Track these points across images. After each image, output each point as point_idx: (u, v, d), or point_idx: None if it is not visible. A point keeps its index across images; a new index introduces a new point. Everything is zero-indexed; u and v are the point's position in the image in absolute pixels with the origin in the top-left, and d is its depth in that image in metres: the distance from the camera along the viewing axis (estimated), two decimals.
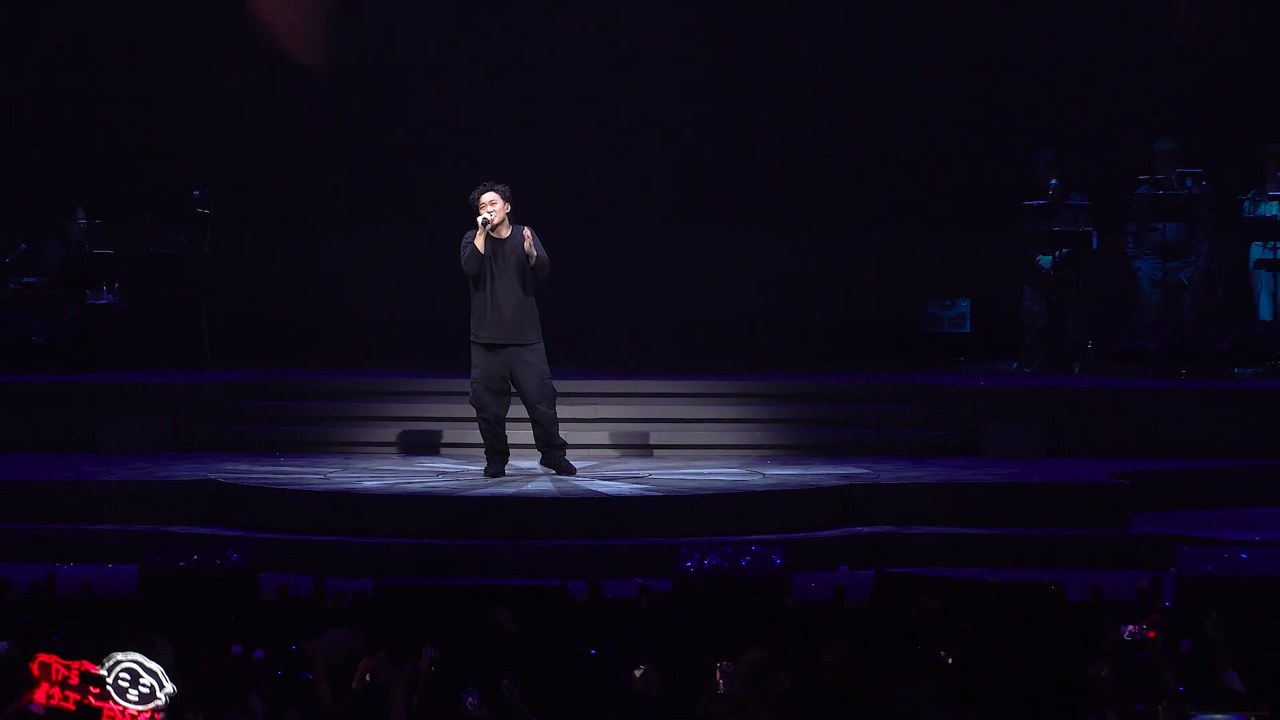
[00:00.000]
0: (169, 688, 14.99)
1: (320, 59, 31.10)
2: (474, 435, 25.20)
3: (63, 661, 15.04)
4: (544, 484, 24.78)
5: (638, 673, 15.55)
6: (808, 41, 31.66)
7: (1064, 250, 28.36)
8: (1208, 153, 29.68)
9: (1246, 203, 28.73)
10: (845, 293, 30.34)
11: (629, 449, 26.81)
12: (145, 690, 15.00)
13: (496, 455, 25.02)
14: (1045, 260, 28.30)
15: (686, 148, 30.15)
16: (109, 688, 14.85)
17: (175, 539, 22.69)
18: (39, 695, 14.63)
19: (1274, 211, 28.64)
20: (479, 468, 25.29)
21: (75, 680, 14.84)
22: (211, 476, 25.50)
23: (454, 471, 25.82)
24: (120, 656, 15.19)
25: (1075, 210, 28.36)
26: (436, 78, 31.73)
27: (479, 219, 24.21)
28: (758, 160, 30.17)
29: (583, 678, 16.44)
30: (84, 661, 15.06)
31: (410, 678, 15.06)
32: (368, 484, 25.51)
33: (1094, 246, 28.55)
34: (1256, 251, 28.75)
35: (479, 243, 24.14)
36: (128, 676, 15.03)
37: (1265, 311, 28.74)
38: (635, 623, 18.52)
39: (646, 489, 25.25)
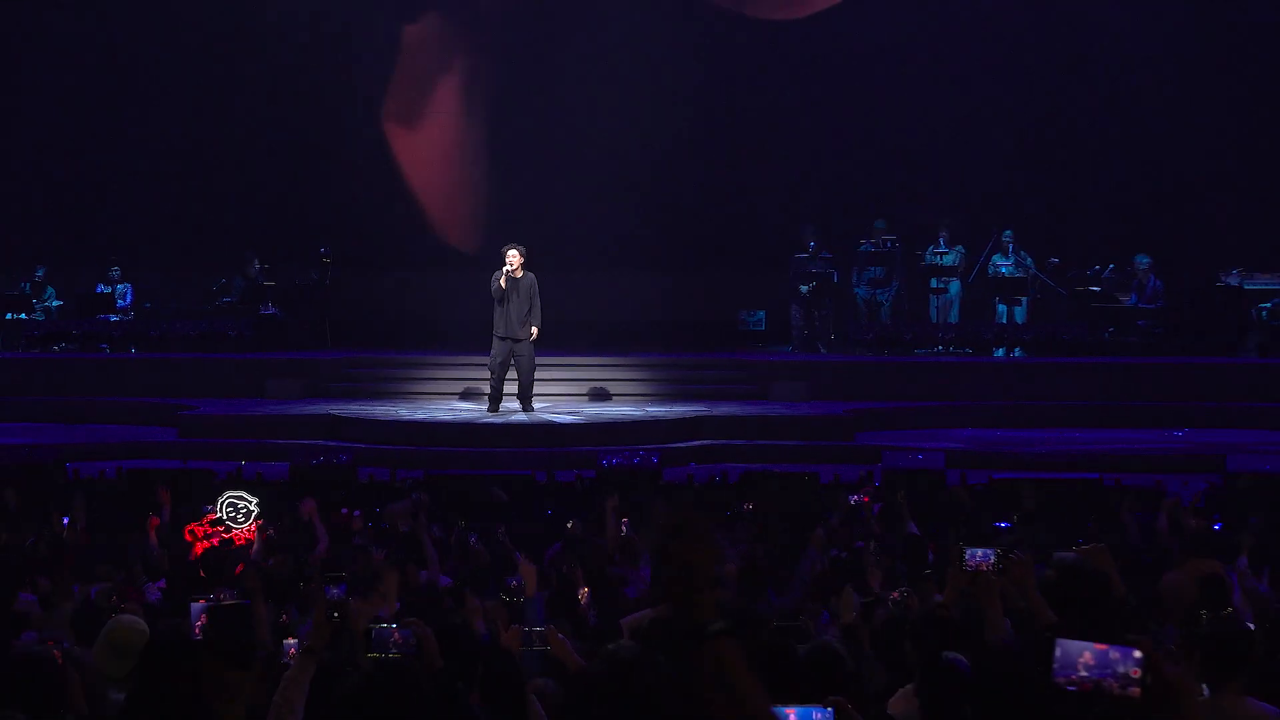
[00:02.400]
0: (254, 500, 15.19)
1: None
2: (484, 388, 25.26)
3: (198, 525, 15.21)
4: (521, 417, 24.83)
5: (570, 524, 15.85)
6: (669, 142, 30.35)
7: (815, 283, 28.39)
8: (903, 224, 29.43)
9: (926, 255, 28.87)
10: (695, 306, 30.17)
11: (573, 396, 26.86)
12: (244, 511, 15.15)
13: (496, 399, 24.98)
14: (804, 288, 28.33)
15: (614, 224, 29.33)
16: (226, 521, 15.04)
17: (309, 448, 22.93)
18: (198, 549, 14.78)
19: (940, 260, 28.78)
20: (485, 408, 25.25)
21: (208, 530, 15.02)
22: (330, 412, 25.64)
23: (470, 409, 25.82)
24: (225, 496, 15.40)
25: (824, 260, 28.42)
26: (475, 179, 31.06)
27: (505, 266, 24.39)
28: (649, 229, 29.67)
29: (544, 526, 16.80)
30: (205, 518, 15.25)
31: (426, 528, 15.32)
32: (419, 416, 25.63)
33: (835, 281, 28.58)
34: (933, 284, 28.88)
35: (501, 282, 24.30)
36: (231, 507, 15.22)
37: (932, 317, 28.92)
38: (574, 495, 18.82)
39: (581, 419, 25.41)
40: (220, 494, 16.15)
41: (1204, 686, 8.23)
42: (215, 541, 15.29)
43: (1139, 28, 30.02)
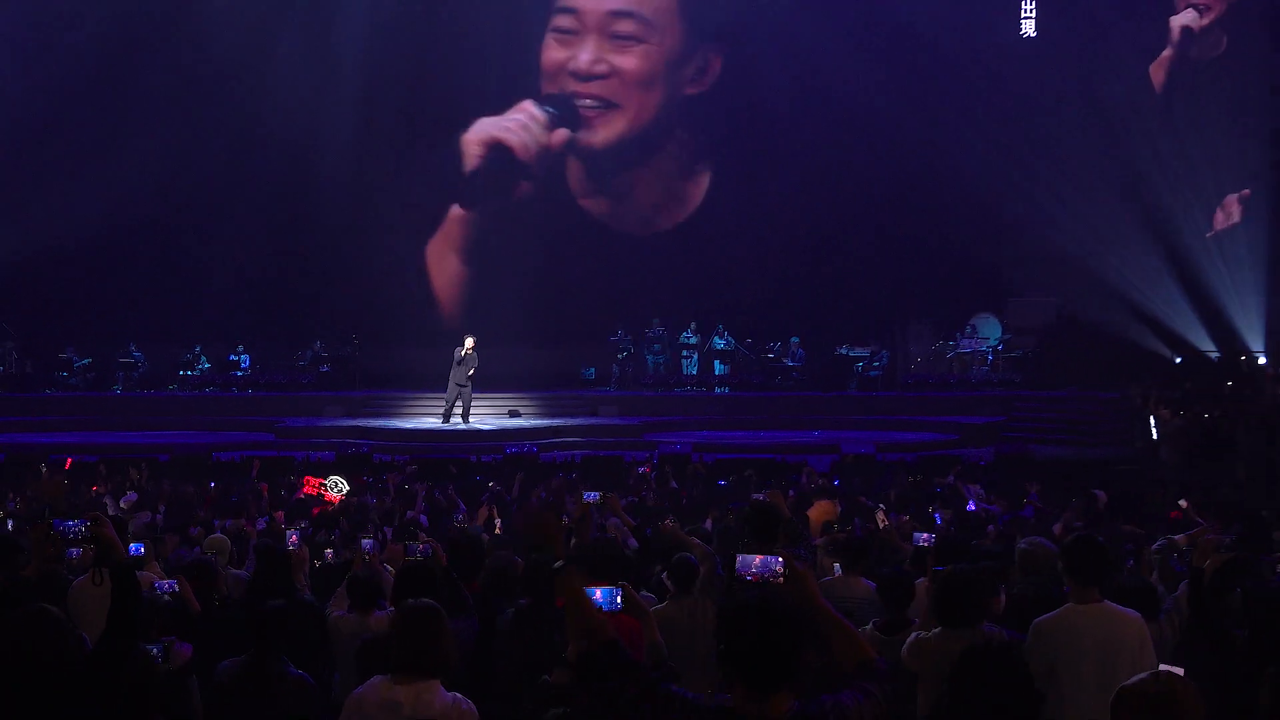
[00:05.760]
0: (346, 486, 15.14)
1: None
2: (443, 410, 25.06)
3: (313, 480, 15.20)
4: (463, 426, 24.67)
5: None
6: (547, 274, 28.87)
7: (623, 354, 28.40)
8: (668, 321, 29.20)
9: (681, 338, 28.94)
10: (557, 364, 29.37)
11: (494, 416, 26.57)
12: (338, 487, 15.14)
13: (448, 416, 24.80)
14: (622, 355, 28.33)
15: (515, 315, 27.04)
16: (327, 487, 15.03)
17: (346, 444, 22.73)
18: (309, 489, 14.81)
19: (688, 340, 28.80)
20: (439, 420, 24.96)
21: (317, 483, 15.03)
22: (358, 424, 25.30)
23: (435, 422, 25.34)
24: (331, 477, 15.36)
25: (628, 340, 28.29)
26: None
27: (460, 348, 24.47)
28: (536, 320, 28.33)
29: (478, 487, 16.67)
30: (320, 480, 15.22)
31: (423, 490, 15.28)
32: (408, 425, 25.25)
33: (632, 351, 28.51)
34: (684, 354, 28.94)
35: (460, 354, 24.36)
36: (333, 482, 15.22)
37: (683, 371, 28.99)
38: (492, 471, 18.69)
39: (497, 427, 25.11)
40: (330, 475, 16.29)
41: (836, 567, 8.31)
42: (314, 492, 15.40)
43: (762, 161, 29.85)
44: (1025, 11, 29.69)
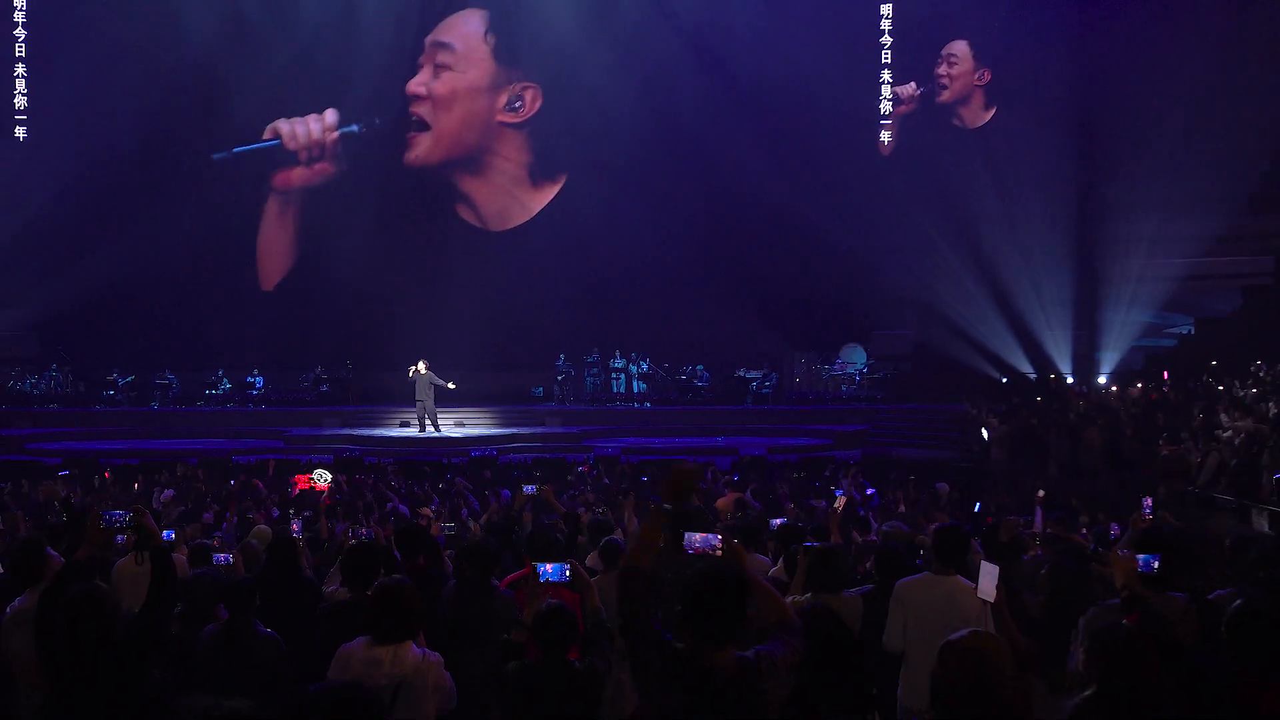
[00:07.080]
0: (329, 474, 14.84)
1: None
2: (415, 422, 24.76)
3: (302, 478, 14.88)
4: (435, 435, 24.42)
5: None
6: (503, 309, 28.67)
7: (563, 376, 28.21)
8: (602, 349, 28.90)
9: (611, 364, 28.80)
10: (512, 384, 28.85)
11: (456, 424, 26.36)
12: (324, 478, 14.81)
13: (421, 426, 24.53)
14: (559, 378, 28.11)
15: (476, 343, 26.98)
16: (315, 480, 14.70)
17: (342, 449, 22.41)
18: (302, 485, 14.42)
19: (615, 365, 28.69)
20: (417, 430, 24.71)
21: (306, 479, 14.69)
22: (352, 433, 24.98)
23: (412, 430, 25.07)
24: (315, 471, 15.02)
25: (569, 364, 28.11)
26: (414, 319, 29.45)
27: (412, 369, 24.16)
28: (492, 348, 28.33)
29: (449, 485, 16.48)
30: (309, 476, 14.90)
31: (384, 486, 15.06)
32: (391, 434, 24.95)
33: (572, 374, 28.35)
34: (613, 376, 28.86)
35: (410, 374, 24.08)
36: (318, 475, 14.87)
37: (613, 389, 28.91)
38: (459, 471, 18.53)
39: (462, 434, 24.89)
40: (313, 469, 15.93)
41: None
42: (306, 486, 15.07)
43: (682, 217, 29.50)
44: (883, 110, 30.08)
